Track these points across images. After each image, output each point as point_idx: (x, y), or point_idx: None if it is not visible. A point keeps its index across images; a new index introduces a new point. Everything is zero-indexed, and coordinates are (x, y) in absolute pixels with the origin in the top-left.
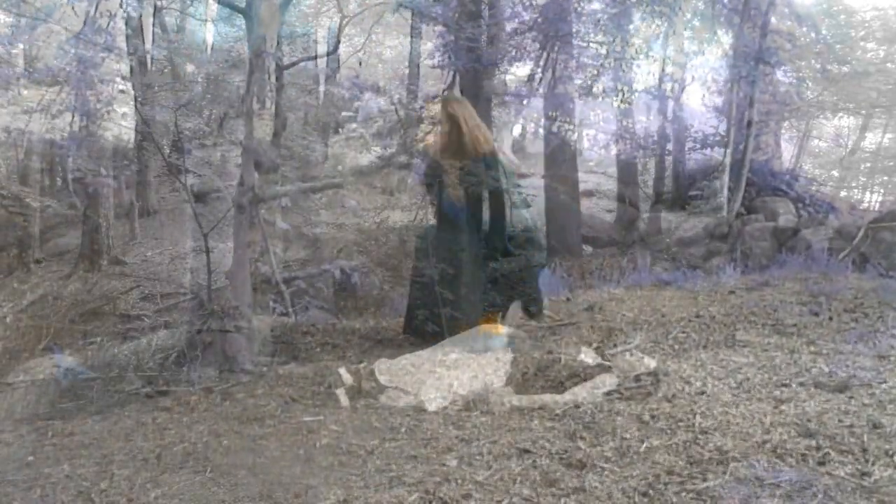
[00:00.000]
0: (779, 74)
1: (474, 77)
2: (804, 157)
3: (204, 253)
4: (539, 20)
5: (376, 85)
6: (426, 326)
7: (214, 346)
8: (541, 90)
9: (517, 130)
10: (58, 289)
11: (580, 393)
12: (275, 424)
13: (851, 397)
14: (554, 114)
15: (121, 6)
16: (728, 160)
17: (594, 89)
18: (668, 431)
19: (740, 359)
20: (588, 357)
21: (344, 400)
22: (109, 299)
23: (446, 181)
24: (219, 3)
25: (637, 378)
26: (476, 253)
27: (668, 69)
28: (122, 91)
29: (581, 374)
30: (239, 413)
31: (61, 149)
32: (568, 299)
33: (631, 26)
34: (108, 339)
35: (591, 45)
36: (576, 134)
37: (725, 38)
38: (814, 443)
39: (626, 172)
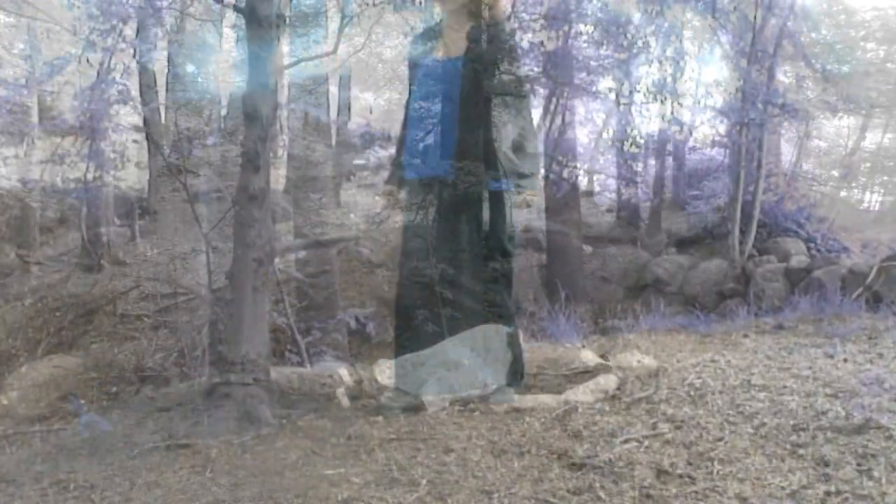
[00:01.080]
0: (779, 75)
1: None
2: (804, 157)
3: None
4: (548, 67)
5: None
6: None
7: (233, 397)
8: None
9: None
10: (57, 289)
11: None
12: (296, 478)
13: (869, 440)
14: (563, 159)
15: (134, 57)
16: (738, 202)
17: (603, 134)
18: (688, 479)
19: (757, 404)
20: (589, 358)
21: (344, 400)
22: (109, 300)
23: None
24: (218, 2)
25: (654, 426)
26: (477, 252)
27: (677, 112)
28: (135, 141)
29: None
30: (260, 466)
31: (75, 199)
32: (583, 346)
33: (638, 71)
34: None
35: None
36: (585, 178)
37: (733, 80)
38: (833, 487)
39: (635, 216)
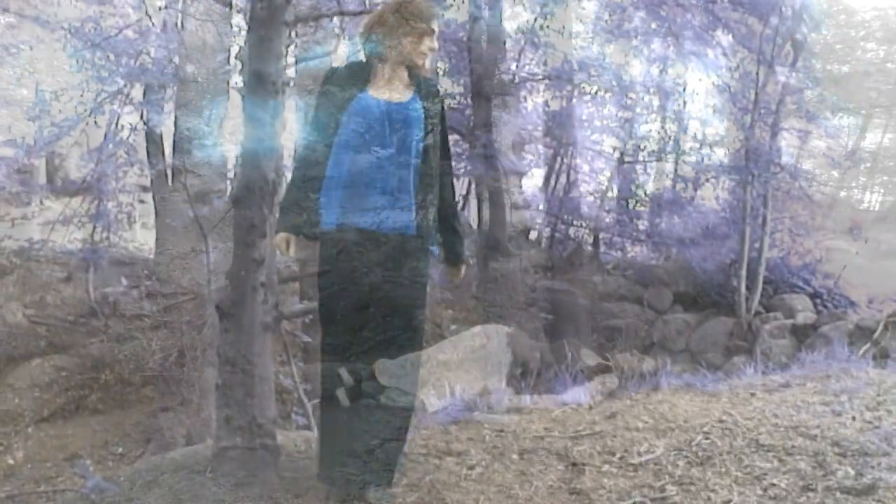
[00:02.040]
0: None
1: (489, 184)
2: (804, 157)
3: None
4: (552, 126)
5: None
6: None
7: (239, 461)
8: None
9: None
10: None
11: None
12: None
13: (879, 500)
14: (568, 217)
15: (141, 118)
16: (744, 259)
17: (608, 192)
18: None
19: (765, 464)
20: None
21: (344, 400)
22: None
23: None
24: (218, 2)
25: (662, 489)
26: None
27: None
28: (142, 201)
29: None
30: None
31: (82, 259)
32: (591, 407)
33: (642, 129)
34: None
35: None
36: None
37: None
38: None
39: (644, 274)
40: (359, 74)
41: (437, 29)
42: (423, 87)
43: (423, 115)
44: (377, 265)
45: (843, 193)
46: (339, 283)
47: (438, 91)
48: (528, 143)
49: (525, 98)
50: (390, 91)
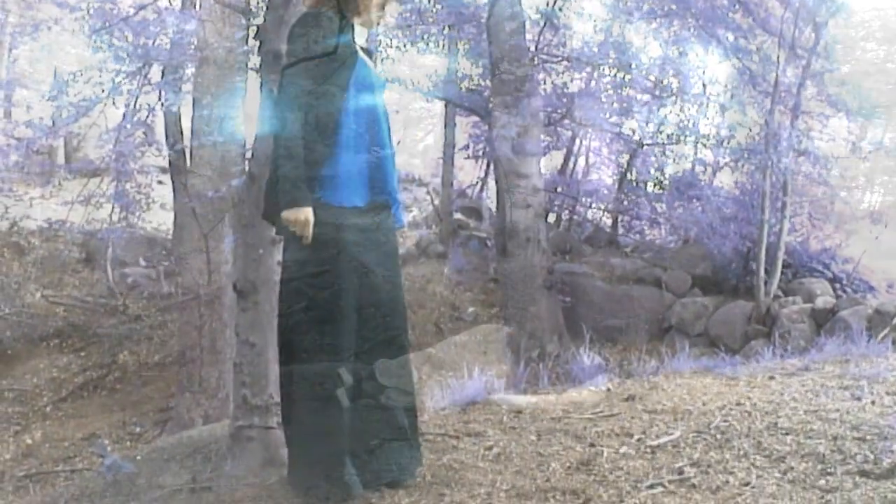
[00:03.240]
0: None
1: (508, 166)
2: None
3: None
4: (571, 108)
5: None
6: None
7: (256, 441)
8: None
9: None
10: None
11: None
12: None
13: None
14: (587, 200)
15: (159, 99)
16: (763, 243)
17: (628, 175)
18: None
19: (783, 447)
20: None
21: (344, 400)
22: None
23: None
24: (218, 3)
25: (680, 470)
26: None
27: (700, 153)
28: (160, 182)
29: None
30: None
31: (101, 240)
32: (609, 389)
33: (661, 112)
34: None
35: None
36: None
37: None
38: None
39: (662, 257)
40: (347, 29)
41: None
42: (369, 54)
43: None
44: (389, 242)
45: (843, 193)
46: (360, 263)
47: None
48: (547, 125)
49: (544, 80)
50: (365, 56)
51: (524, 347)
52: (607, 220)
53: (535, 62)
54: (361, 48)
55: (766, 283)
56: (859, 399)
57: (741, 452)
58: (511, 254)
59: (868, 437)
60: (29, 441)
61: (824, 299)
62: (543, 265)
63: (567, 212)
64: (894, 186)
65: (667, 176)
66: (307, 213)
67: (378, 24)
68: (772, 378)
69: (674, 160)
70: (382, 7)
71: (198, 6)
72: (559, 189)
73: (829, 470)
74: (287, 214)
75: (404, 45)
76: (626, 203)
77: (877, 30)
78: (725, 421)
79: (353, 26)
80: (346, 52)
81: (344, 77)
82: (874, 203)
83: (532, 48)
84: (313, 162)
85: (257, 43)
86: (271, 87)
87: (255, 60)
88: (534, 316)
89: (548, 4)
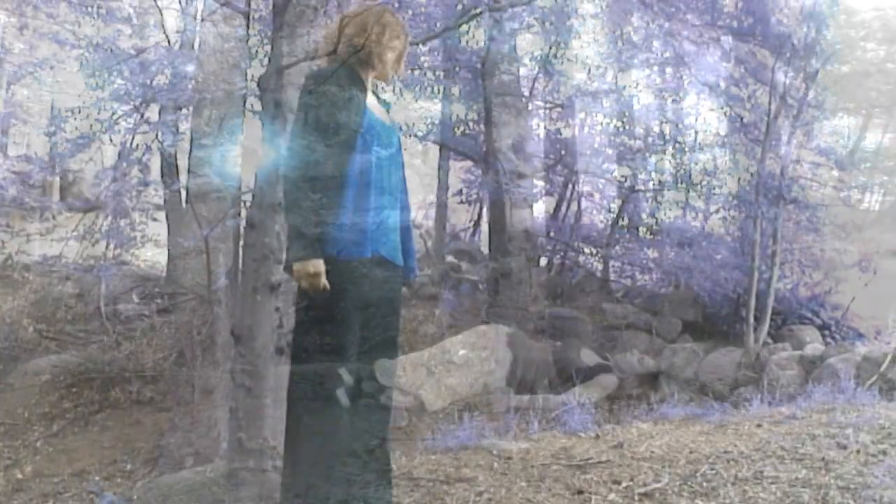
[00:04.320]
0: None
1: (501, 211)
2: (804, 157)
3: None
4: (563, 154)
5: None
6: None
7: (251, 483)
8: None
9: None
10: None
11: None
12: None
13: None
14: (579, 245)
15: (157, 138)
16: (753, 290)
17: (619, 220)
18: None
19: (768, 496)
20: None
21: (344, 400)
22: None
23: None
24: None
25: None
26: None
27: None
28: (154, 219)
29: None
30: None
31: (95, 276)
32: (598, 436)
33: (654, 158)
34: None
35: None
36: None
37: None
38: None
39: (653, 303)
40: (359, 82)
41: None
42: (386, 107)
43: (400, 138)
44: (392, 297)
45: (843, 193)
46: (359, 314)
47: None
48: (540, 170)
49: (537, 126)
50: (378, 109)
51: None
52: (599, 265)
53: (529, 108)
54: (378, 99)
55: (755, 329)
56: (845, 448)
57: (726, 501)
58: (502, 297)
59: (852, 486)
60: (20, 476)
61: (813, 346)
62: (535, 309)
63: (559, 256)
64: (894, 186)
65: (658, 222)
66: (316, 265)
67: (393, 77)
68: (759, 426)
69: (665, 206)
70: (398, 61)
71: (196, 47)
72: (552, 234)
73: None
74: (297, 267)
75: (400, 91)
76: (617, 248)
77: (877, 30)
78: (712, 469)
79: (364, 80)
80: (357, 107)
81: (353, 132)
82: (874, 203)
83: (526, 93)
84: (321, 215)
85: (259, 91)
86: (272, 138)
87: (251, 101)
88: (525, 360)
89: (542, 51)
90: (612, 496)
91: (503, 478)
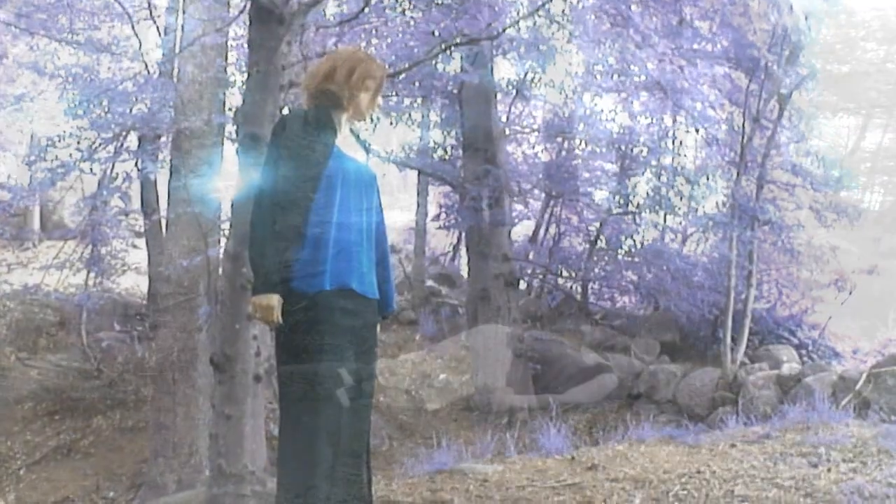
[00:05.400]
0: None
1: (479, 235)
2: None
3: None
4: (542, 178)
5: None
6: None
7: None
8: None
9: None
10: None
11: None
12: None
13: None
14: (559, 268)
15: (136, 166)
16: (730, 311)
17: (598, 243)
18: None
19: None
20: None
21: (344, 400)
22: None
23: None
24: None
25: None
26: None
27: (670, 222)
28: (135, 246)
29: None
30: None
31: (76, 305)
32: (573, 458)
33: (632, 181)
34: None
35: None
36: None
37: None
38: None
39: (632, 325)
40: (329, 124)
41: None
42: (363, 145)
43: (375, 176)
44: (364, 330)
45: (843, 193)
46: (327, 350)
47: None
48: (518, 194)
49: (515, 150)
50: (350, 148)
51: (494, 415)
52: (578, 288)
53: (507, 133)
54: (357, 138)
55: (732, 350)
56: (816, 466)
57: None
58: (482, 322)
59: None
60: (2, 503)
61: (790, 366)
62: (514, 333)
63: (538, 280)
64: (894, 186)
65: (636, 243)
66: (269, 299)
67: (369, 115)
68: (733, 446)
69: (644, 228)
70: (373, 99)
71: (175, 77)
72: (530, 257)
73: None
74: (254, 300)
75: (376, 118)
76: (596, 271)
77: (877, 30)
78: (684, 489)
79: (336, 122)
80: (322, 149)
81: (316, 173)
82: (874, 203)
83: (503, 119)
84: (282, 249)
85: (235, 125)
86: (248, 170)
87: (230, 129)
88: (503, 384)
89: (518, 76)
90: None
91: (479, 500)
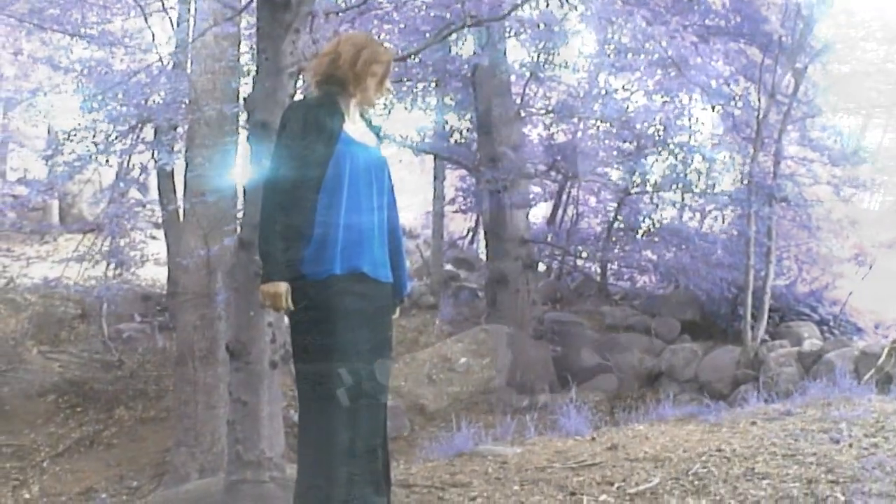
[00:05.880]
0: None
1: (497, 218)
2: (797, 154)
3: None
4: (558, 159)
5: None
6: None
7: (249, 495)
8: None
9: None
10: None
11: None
12: None
13: None
14: (576, 249)
15: (153, 157)
16: (749, 289)
17: (616, 223)
18: None
19: (758, 492)
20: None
21: (344, 400)
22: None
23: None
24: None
25: None
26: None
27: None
28: (153, 238)
29: None
30: None
31: (96, 297)
32: (593, 438)
33: (648, 160)
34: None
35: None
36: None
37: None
38: None
39: (652, 304)
40: (335, 110)
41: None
42: (375, 131)
43: (386, 160)
44: (377, 314)
45: (842, 193)
46: (341, 334)
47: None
48: (535, 176)
49: (530, 132)
50: (360, 133)
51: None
52: (597, 269)
53: (521, 115)
54: (368, 124)
55: (752, 327)
56: (837, 442)
57: (717, 498)
58: (501, 304)
59: (842, 480)
60: (27, 496)
61: (811, 342)
62: (533, 315)
63: (557, 261)
64: (894, 186)
65: (655, 223)
66: (277, 286)
67: (378, 100)
68: (753, 423)
69: (661, 207)
70: (381, 84)
71: (189, 68)
72: (549, 239)
73: None
74: (262, 288)
75: (391, 102)
76: (615, 251)
77: (877, 30)
78: (704, 467)
79: (344, 108)
80: (329, 135)
81: (323, 160)
82: (874, 203)
83: (518, 101)
84: (289, 237)
85: (246, 112)
86: (259, 158)
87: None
88: (523, 366)
89: (532, 58)
90: (603, 497)
91: (497, 482)
